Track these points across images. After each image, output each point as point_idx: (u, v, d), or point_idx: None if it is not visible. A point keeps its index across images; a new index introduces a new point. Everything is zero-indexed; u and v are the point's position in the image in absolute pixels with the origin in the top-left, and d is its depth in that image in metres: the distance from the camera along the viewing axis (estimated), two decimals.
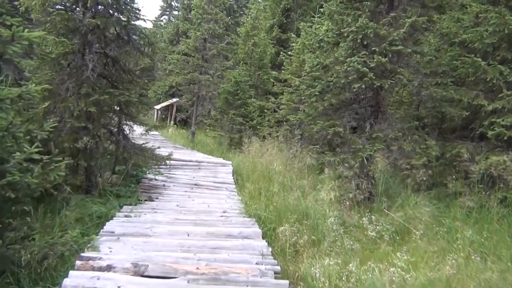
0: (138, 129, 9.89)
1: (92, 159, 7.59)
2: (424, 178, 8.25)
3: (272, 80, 18.80)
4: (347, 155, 9.15)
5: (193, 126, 19.96)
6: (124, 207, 7.68)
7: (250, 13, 22.55)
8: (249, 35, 20.83)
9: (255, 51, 20.59)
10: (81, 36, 7.52)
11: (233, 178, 11.70)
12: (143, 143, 9.21)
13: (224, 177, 11.56)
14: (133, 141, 9.09)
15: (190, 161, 12.62)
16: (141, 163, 8.66)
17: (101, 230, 6.02)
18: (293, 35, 16.54)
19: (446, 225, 7.27)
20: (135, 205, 8.02)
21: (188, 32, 21.74)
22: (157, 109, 27.43)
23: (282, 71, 16.99)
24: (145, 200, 8.45)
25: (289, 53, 16.28)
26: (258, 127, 17.73)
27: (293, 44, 15.91)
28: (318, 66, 9.46)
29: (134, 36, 8.02)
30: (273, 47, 22.79)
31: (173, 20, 36.68)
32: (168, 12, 42.37)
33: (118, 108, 8.85)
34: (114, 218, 6.79)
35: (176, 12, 40.62)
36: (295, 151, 14.14)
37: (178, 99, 25.82)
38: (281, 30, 24.56)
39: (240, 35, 22.50)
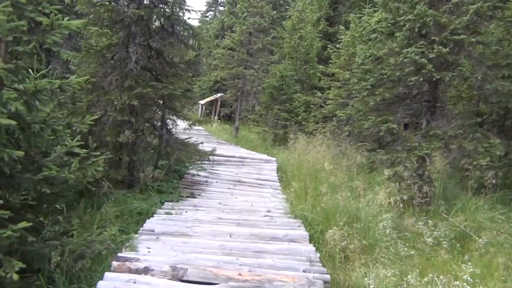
0: (182, 124, 9.71)
1: (135, 154, 7.44)
2: (491, 180, 7.45)
3: (318, 74, 18.19)
4: (402, 153, 8.52)
5: (237, 121, 19.73)
6: (166, 203, 7.48)
7: (296, 6, 21.98)
8: (295, 28, 20.30)
9: (301, 45, 20.03)
10: (125, 27, 7.37)
11: (278, 176, 11.30)
12: (186, 138, 8.99)
13: (268, 174, 11.18)
14: (176, 135, 8.89)
15: (234, 157, 12.35)
16: (184, 158, 8.44)
17: (141, 228, 5.80)
18: (342, 28, 15.86)
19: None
20: (177, 201, 7.81)
21: (233, 27, 21.53)
22: (201, 104, 27.49)
23: (330, 65, 16.36)
24: (187, 197, 8.23)
25: (337, 46, 15.62)
26: (303, 122, 17.22)
27: (342, 37, 15.26)
28: (370, 58, 8.85)
29: (178, 28, 7.78)
30: (319, 40, 22.12)
31: (219, 16, 36.64)
32: (214, 8, 42.50)
33: (161, 102, 8.70)
34: (155, 215, 6.58)
35: (222, 8, 40.61)
36: (343, 148, 13.55)
37: (222, 94, 25.74)
38: (328, 23, 23.81)
39: (286, 28, 22.01)
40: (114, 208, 6.57)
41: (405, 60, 7.89)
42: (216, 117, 26.66)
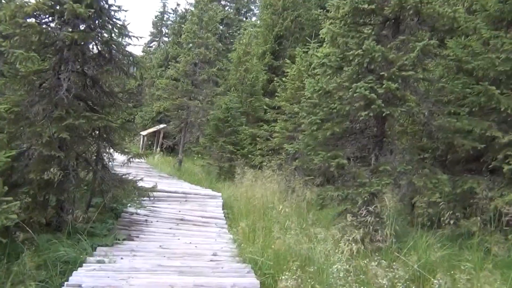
0: (121, 157, 8.94)
1: (63, 193, 6.57)
2: (444, 217, 7.38)
3: (264, 107, 18.05)
4: (351, 189, 8.31)
5: (181, 154, 18.99)
6: (98, 248, 6.62)
7: (242, 38, 22.04)
8: (241, 61, 20.25)
9: (247, 77, 19.95)
10: (57, 52, 6.65)
11: (224, 213, 10.70)
12: (124, 174, 8.22)
13: (214, 211, 10.57)
14: (113, 171, 8.10)
15: (176, 192, 11.61)
16: (121, 197, 7.64)
17: (66, 283, 4.96)
18: (287, 61, 15.93)
19: (465, 271, 6.39)
20: (112, 245, 6.97)
21: (178, 57, 21.08)
22: (143, 135, 26.44)
23: (276, 97, 16.27)
24: (124, 239, 7.40)
25: (283, 79, 15.60)
26: (249, 155, 16.85)
27: (288, 70, 15.27)
28: (319, 92, 8.69)
29: (117, 55, 7.16)
30: (265, 73, 22.22)
31: (163, 46, 36.14)
32: (158, 39, 41.96)
33: (97, 134, 7.94)
34: (84, 264, 5.73)
35: (166, 39, 40.21)
36: (292, 183, 13.25)
37: (165, 125, 24.93)
38: (274, 56, 24.09)
39: (231, 60, 21.92)
40: (36, 257, 5.68)
41: (354, 95, 7.79)
42: (158, 149, 25.68)
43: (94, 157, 7.96)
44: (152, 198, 10.56)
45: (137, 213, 9.28)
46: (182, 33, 20.20)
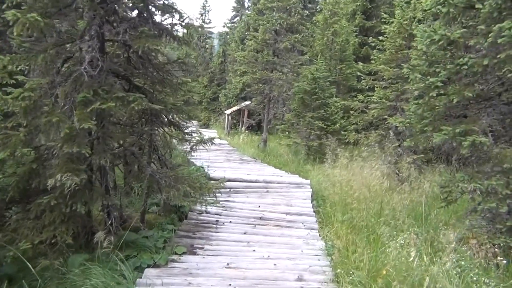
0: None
1: (91, 201, 5.02)
2: None
3: (359, 73, 15.32)
4: (493, 178, 5.78)
5: (265, 133, 17.20)
6: (146, 271, 5.03)
7: None
8: (328, 23, 17.62)
9: (335, 42, 17.34)
10: (77, 12, 5.01)
11: (313, 206, 8.68)
12: (179, 166, 6.54)
13: (301, 205, 8.57)
14: (170, 164, 6.47)
15: (256, 181, 9.79)
16: (177, 199, 5.95)
17: None
18: (385, 15, 13.07)
19: None
20: (166, 264, 5.36)
21: (258, 26, 19.12)
22: (227, 114, 25.19)
23: (371, 61, 13.56)
24: (183, 253, 5.76)
25: (380, 38, 12.83)
26: (342, 132, 14.48)
27: (385, 28, 12.45)
28: (440, 43, 6.11)
29: (156, 12, 5.37)
30: (355, 36, 19.36)
31: (244, 18, 34.39)
32: (239, 10, 40.36)
33: (149, 119, 6.33)
34: None
35: (248, 12, 38.41)
36: (399, 166, 10.76)
37: (249, 102, 23.34)
38: (365, 16, 21.01)
39: (317, 24, 19.37)
40: None
41: (499, 41, 5.18)
42: (243, 128, 24.27)
43: (147, 149, 6.39)
44: (228, 190, 8.93)
45: (206, 212, 7.66)
46: None
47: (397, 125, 9.98)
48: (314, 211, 8.35)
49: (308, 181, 10.03)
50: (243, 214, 7.75)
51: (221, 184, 7.04)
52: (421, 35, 6.96)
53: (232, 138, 22.29)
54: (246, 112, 24.67)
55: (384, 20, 13.13)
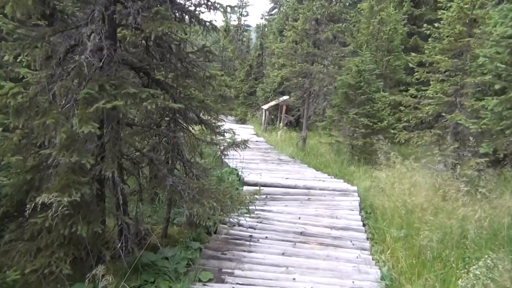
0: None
1: (95, 221, 4.12)
2: None
3: (410, 64, 13.76)
4: None
5: (304, 131, 16.04)
6: None
7: None
8: (374, 10, 16.19)
9: (382, 31, 15.89)
10: None
11: (362, 218, 7.53)
12: (207, 178, 5.57)
13: (348, 217, 7.45)
14: (196, 172, 5.52)
15: (296, 187, 8.73)
16: (203, 216, 4.97)
17: None
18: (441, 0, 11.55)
19: None
20: None
21: (297, 16, 17.95)
22: (264, 109, 24.17)
23: (424, 52, 12.09)
24: (209, 280, 4.81)
25: (436, 25, 11.34)
26: (390, 130, 13.14)
27: (443, 12, 10.97)
28: None
29: None
30: (403, 25, 17.78)
31: (283, 10, 33.17)
32: (277, 2, 39.14)
33: (173, 117, 5.42)
34: None
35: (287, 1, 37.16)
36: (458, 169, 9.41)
37: (287, 97, 22.20)
38: (413, 3, 19.37)
39: (361, 12, 17.94)
40: None
41: None
42: (281, 124, 23.17)
43: (170, 154, 5.48)
44: (265, 197, 7.93)
45: (239, 224, 6.67)
46: None
47: (470, 127, 8.53)
48: (363, 224, 7.20)
49: (355, 188, 8.85)
50: (281, 228, 6.71)
51: (255, 196, 6.01)
52: (497, 14, 5.64)
53: (270, 135, 21.27)
54: (284, 108, 23.53)
55: (440, 4, 11.64)
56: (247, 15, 41.32)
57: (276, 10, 41.18)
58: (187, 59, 4.83)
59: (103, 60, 4.03)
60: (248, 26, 43.81)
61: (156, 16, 3.96)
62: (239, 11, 41.33)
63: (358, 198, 8.33)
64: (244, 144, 6.45)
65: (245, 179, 8.91)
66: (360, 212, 7.83)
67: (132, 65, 4.67)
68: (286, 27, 18.58)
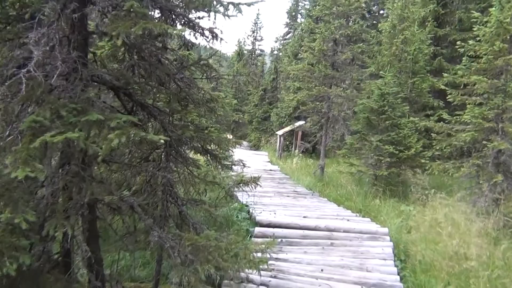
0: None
1: None
2: None
3: (442, 87, 12.42)
4: None
5: (322, 159, 14.80)
6: None
7: (395, 2, 16.79)
8: (397, 30, 15.10)
9: (406, 51, 14.74)
10: None
11: (398, 271, 6.19)
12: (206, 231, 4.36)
13: (380, 269, 6.11)
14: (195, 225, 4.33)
15: (317, 228, 7.44)
16: (196, 283, 3.77)
17: None
18: (476, 14, 10.40)
19: None
20: None
21: (313, 37, 16.99)
22: (279, 135, 23.04)
23: (457, 72, 10.85)
24: None
25: (470, 42, 10.15)
26: (419, 159, 11.84)
27: (478, 29, 9.78)
28: None
29: None
30: (428, 45, 16.62)
31: (298, 33, 32.46)
32: (292, 26, 38.52)
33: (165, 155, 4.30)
34: None
35: (300, 21, 36.54)
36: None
37: (303, 122, 21.08)
38: (437, 23, 18.24)
39: (383, 32, 16.87)
40: None
41: None
42: (296, 151, 21.97)
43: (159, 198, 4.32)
44: (280, 241, 6.70)
45: (248, 280, 5.41)
46: (317, 4, 15.95)
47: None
48: (399, 281, 5.86)
49: (386, 230, 7.51)
50: (300, 285, 5.42)
51: (269, 247, 4.77)
52: None
53: (285, 162, 20.07)
54: (299, 134, 22.37)
55: (474, 19, 10.47)
56: (262, 39, 40.76)
57: (290, 34, 40.60)
58: (179, 75, 3.71)
59: (60, 77, 2.93)
60: (262, 51, 43.27)
61: (129, 15, 2.86)
62: (254, 36, 40.74)
63: (391, 243, 7.00)
64: (254, 182, 5.27)
65: (257, 218, 7.67)
66: (394, 260, 6.50)
67: (106, 84, 3.58)
68: (302, 48, 17.61)
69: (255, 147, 28.79)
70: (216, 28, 3.79)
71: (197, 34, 3.81)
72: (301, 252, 6.61)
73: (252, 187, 5.50)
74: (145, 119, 4.12)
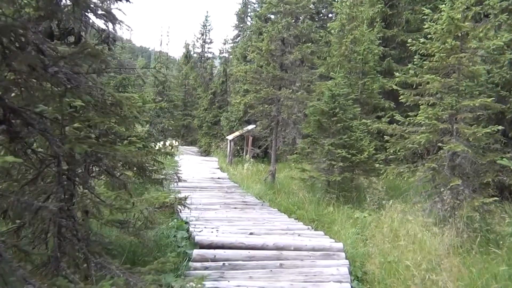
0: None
1: None
2: None
3: (394, 86, 11.86)
4: None
5: (273, 165, 14.02)
6: None
7: (343, 2, 16.38)
8: (346, 29, 14.64)
9: (355, 51, 14.29)
10: None
11: None
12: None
13: None
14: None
15: (264, 246, 6.56)
16: None
17: None
18: (426, 11, 9.98)
19: None
20: None
21: (261, 37, 16.23)
22: (229, 140, 22.12)
23: (410, 71, 10.39)
24: None
25: (421, 40, 9.69)
26: (372, 162, 11.32)
27: (431, 25, 9.34)
28: None
29: None
30: (377, 45, 16.31)
31: (247, 34, 31.74)
32: (241, 28, 37.76)
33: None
34: None
35: (249, 23, 35.87)
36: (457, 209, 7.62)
37: (254, 126, 20.30)
38: (385, 24, 18.07)
39: (332, 32, 16.39)
40: None
41: None
42: (247, 156, 21.15)
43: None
44: (222, 264, 5.77)
45: None
46: (264, 2, 15.20)
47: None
48: None
49: (341, 245, 6.75)
50: None
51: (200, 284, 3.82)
52: None
53: (235, 168, 19.15)
54: (250, 138, 21.57)
55: (426, 16, 10.05)
56: (211, 42, 39.80)
57: (240, 37, 39.86)
58: (52, 69, 2.69)
59: None
60: (212, 53, 42.24)
61: None
62: (203, 38, 39.60)
63: (347, 262, 6.24)
64: (180, 203, 4.29)
65: (197, 238, 6.68)
66: (351, 283, 5.74)
67: None
68: (249, 49, 16.81)
69: (206, 152, 27.72)
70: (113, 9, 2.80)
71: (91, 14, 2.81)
72: (245, 277, 5.70)
73: (178, 208, 4.52)
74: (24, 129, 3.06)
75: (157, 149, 6.32)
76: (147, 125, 29.97)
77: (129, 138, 4.41)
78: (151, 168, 5.56)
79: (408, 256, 6.11)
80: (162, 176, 5.75)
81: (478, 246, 6.20)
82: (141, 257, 5.71)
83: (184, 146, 31.77)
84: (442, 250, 6.17)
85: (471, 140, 8.40)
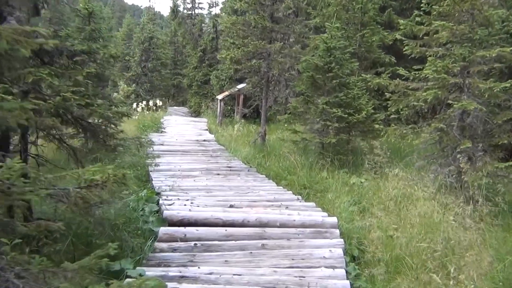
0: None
1: None
2: None
3: (397, 36, 10.42)
4: None
5: (263, 126, 12.94)
6: None
7: None
8: None
9: (354, 0, 12.88)
10: None
11: (348, 275, 4.52)
12: None
13: (327, 281, 4.38)
14: None
15: (245, 223, 5.59)
16: None
17: None
18: None
19: None
20: None
21: None
22: (219, 100, 20.94)
23: (415, 18, 9.11)
24: None
25: None
26: (371, 123, 10.28)
27: None
28: None
29: None
30: None
31: None
32: None
33: None
34: None
35: None
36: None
37: (245, 84, 19.04)
38: None
39: None
40: None
41: None
42: (237, 116, 20.04)
43: None
44: (194, 246, 4.82)
45: None
46: None
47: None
48: None
49: (335, 220, 5.79)
50: None
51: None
52: None
53: (225, 129, 18.07)
54: (241, 98, 20.36)
55: None
56: None
57: None
58: None
59: None
60: (204, 9, 40.11)
61: None
62: None
63: (341, 241, 5.28)
64: (118, 180, 3.24)
65: (165, 212, 5.70)
66: (346, 266, 4.81)
67: None
68: None
69: (196, 113, 26.55)
70: None
71: None
72: (220, 261, 4.74)
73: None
74: None
75: (114, 110, 5.23)
76: (133, 85, 28.63)
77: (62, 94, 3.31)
78: (105, 130, 4.50)
79: (414, 232, 5.18)
80: (118, 142, 4.68)
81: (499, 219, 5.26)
82: (96, 237, 4.75)
83: (174, 107, 30.56)
84: (457, 226, 5.22)
85: (486, 96, 7.32)
